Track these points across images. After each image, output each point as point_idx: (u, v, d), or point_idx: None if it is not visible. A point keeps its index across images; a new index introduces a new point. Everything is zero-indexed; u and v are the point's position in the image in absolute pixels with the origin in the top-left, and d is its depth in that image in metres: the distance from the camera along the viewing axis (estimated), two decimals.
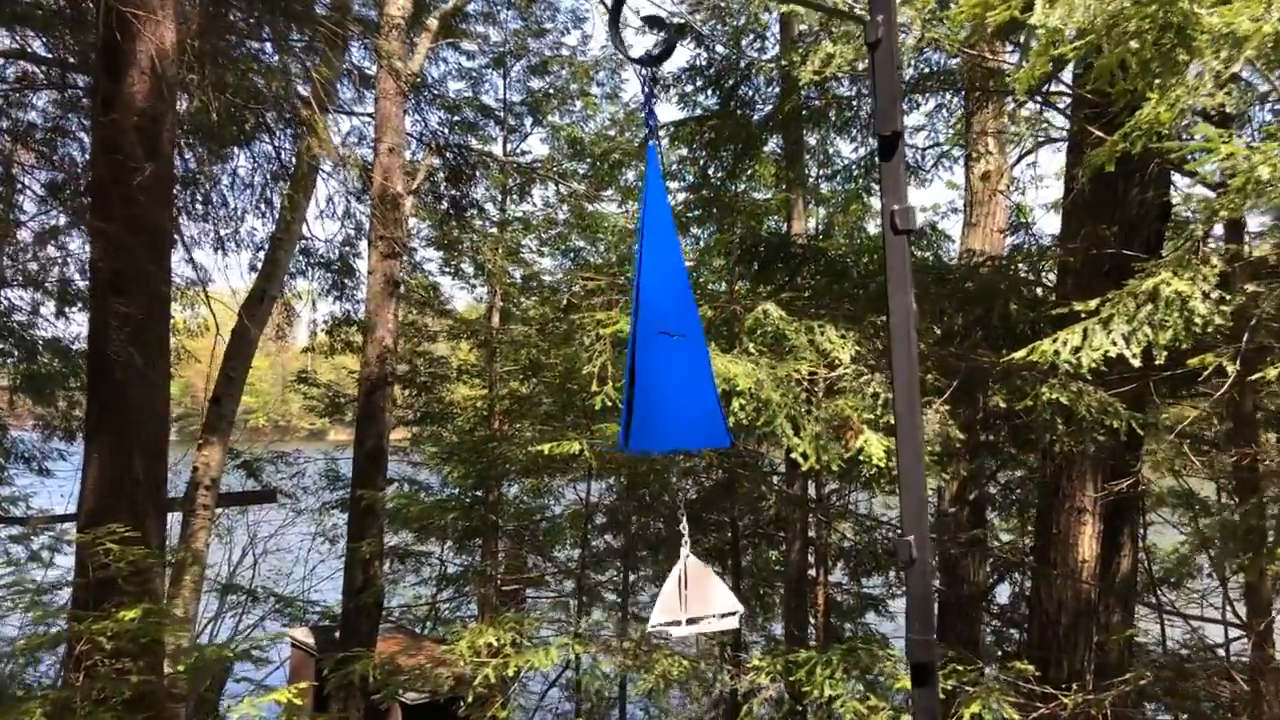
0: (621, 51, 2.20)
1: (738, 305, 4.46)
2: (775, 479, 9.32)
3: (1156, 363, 3.16)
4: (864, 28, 1.38)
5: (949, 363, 4.56)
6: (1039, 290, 5.73)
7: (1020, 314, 5.39)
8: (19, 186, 11.67)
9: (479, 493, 9.87)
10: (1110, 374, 3.88)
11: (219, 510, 13.23)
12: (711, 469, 8.24)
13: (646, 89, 2.27)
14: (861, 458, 4.08)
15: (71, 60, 10.54)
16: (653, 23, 2.26)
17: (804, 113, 6.07)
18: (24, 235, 13.17)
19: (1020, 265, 6.67)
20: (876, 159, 5.70)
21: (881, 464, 4.03)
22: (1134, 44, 2.66)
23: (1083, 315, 3.33)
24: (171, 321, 13.39)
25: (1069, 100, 5.72)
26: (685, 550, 2.41)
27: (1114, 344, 3.21)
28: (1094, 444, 4.60)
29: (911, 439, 1.36)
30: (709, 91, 6.68)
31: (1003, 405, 4.25)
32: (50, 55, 10.23)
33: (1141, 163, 4.98)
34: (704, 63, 6.40)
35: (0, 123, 11.09)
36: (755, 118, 6.32)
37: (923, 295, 5.63)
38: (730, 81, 6.30)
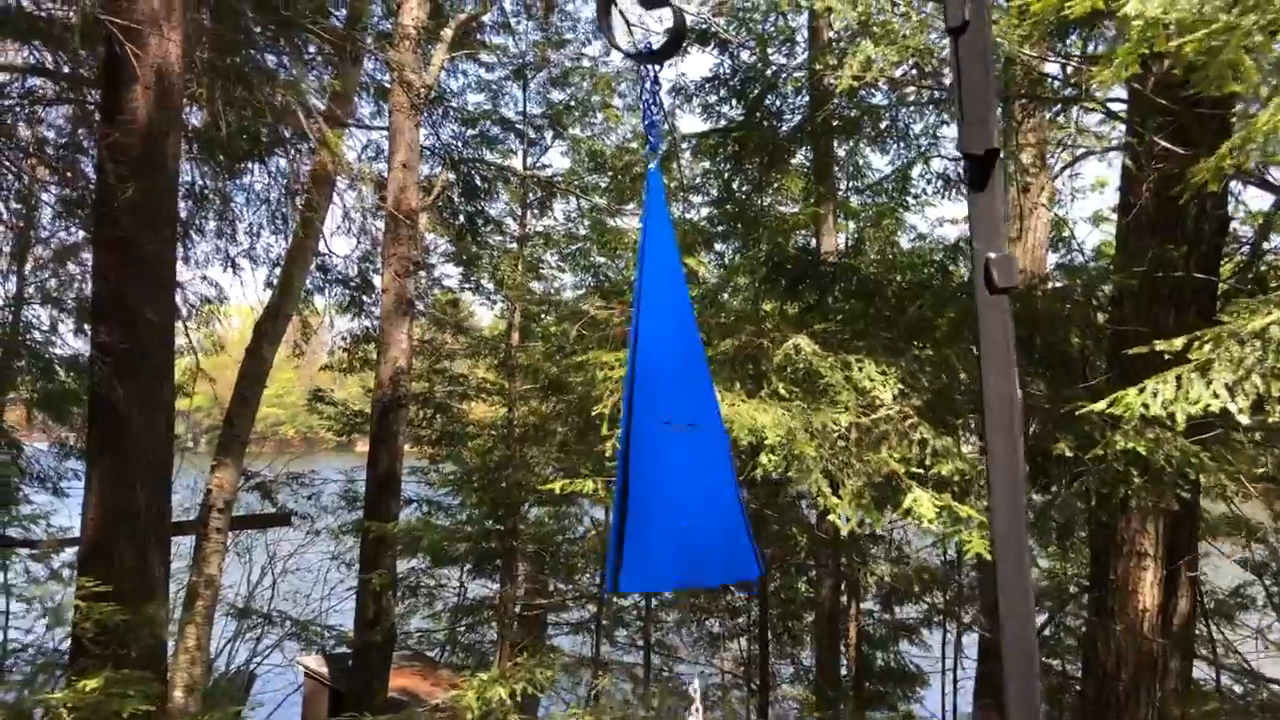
0: (612, 43, 1.76)
1: (765, 339, 4.05)
2: (803, 503, 8.92)
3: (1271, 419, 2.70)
4: (944, 7, 1.01)
5: None
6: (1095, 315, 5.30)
7: (1076, 340, 4.95)
8: (37, 202, 11.52)
9: (497, 518, 9.54)
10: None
11: (237, 530, 13.00)
12: None
13: (647, 93, 1.77)
14: (910, 518, 3.63)
15: (86, 74, 10.36)
16: (652, 3, 1.78)
17: (835, 123, 5.68)
18: (43, 252, 13.05)
19: (1072, 287, 6.26)
20: (909, 171, 5.28)
21: (934, 525, 3.58)
22: (1256, 37, 2.26)
23: (1166, 357, 2.89)
24: (181, 342, 13.22)
25: (1121, 105, 5.31)
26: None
27: (1216, 396, 2.75)
28: (1178, 501, 4.16)
29: (1015, 566, 0.98)
30: (733, 102, 6.32)
31: (1069, 454, 3.79)
32: (66, 70, 10.06)
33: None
34: (727, 71, 6.04)
35: (16, 138, 10.93)
36: (783, 129, 5.94)
37: (962, 319, 5.23)
38: (756, 91, 5.93)
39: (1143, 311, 4.72)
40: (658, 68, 1.73)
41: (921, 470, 3.77)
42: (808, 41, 6.57)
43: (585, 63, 13.80)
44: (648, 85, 1.77)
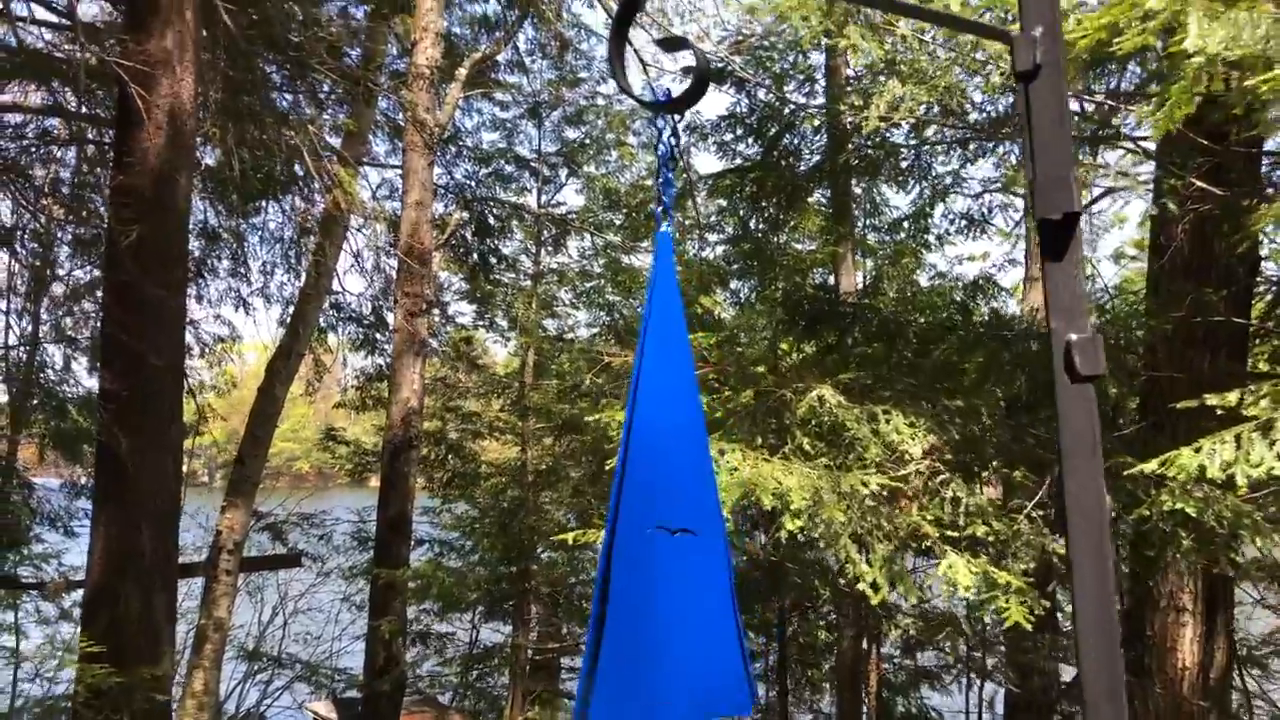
0: (626, 90, 1.57)
1: (788, 389, 3.86)
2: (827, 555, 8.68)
3: None
4: (1011, 49, 0.87)
5: (1035, 454, 3.93)
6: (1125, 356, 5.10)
7: (1111, 390, 4.76)
8: (52, 242, 11.54)
9: (510, 560, 9.36)
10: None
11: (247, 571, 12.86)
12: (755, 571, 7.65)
13: (663, 145, 1.53)
14: (945, 586, 3.42)
15: (102, 115, 10.39)
16: (672, 45, 1.64)
17: (855, 163, 5.54)
18: (59, 290, 13.05)
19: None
20: (930, 210, 5.10)
21: (970, 594, 3.37)
22: None
23: (1218, 410, 2.71)
24: (194, 380, 13.16)
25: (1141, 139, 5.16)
26: None
27: None
28: (1232, 566, 3.96)
29: (1109, 700, 0.82)
30: (750, 140, 6.20)
31: (1112, 515, 3.60)
32: (83, 110, 10.10)
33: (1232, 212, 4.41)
34: (745, 109, 5.92)
35: (31, 177, 10.96)
36: (801, 168, 5.81)
37: (989, 362, 5.06)
38: (773, 130, 5.80)
39: (1176, 356, 4.54)
40: (677, 117, 1.53)
41: (955, 534, 3.56)
42: (825, 79, 6.45)
43: (600, 101, 13.79)
44: (664, 137, 1.55)
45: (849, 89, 4.65)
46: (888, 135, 5.14)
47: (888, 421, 3.76)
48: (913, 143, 5.30)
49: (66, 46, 9.10)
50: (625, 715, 1.48)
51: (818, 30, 3.51)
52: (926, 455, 3.80)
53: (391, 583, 7.33)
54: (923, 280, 9.78)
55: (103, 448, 6.71)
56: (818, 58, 6.36)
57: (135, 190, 6.70)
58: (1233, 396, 2.69)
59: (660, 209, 1.59)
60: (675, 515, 1.52)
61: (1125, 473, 3.25)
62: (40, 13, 8.90)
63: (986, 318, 7.43)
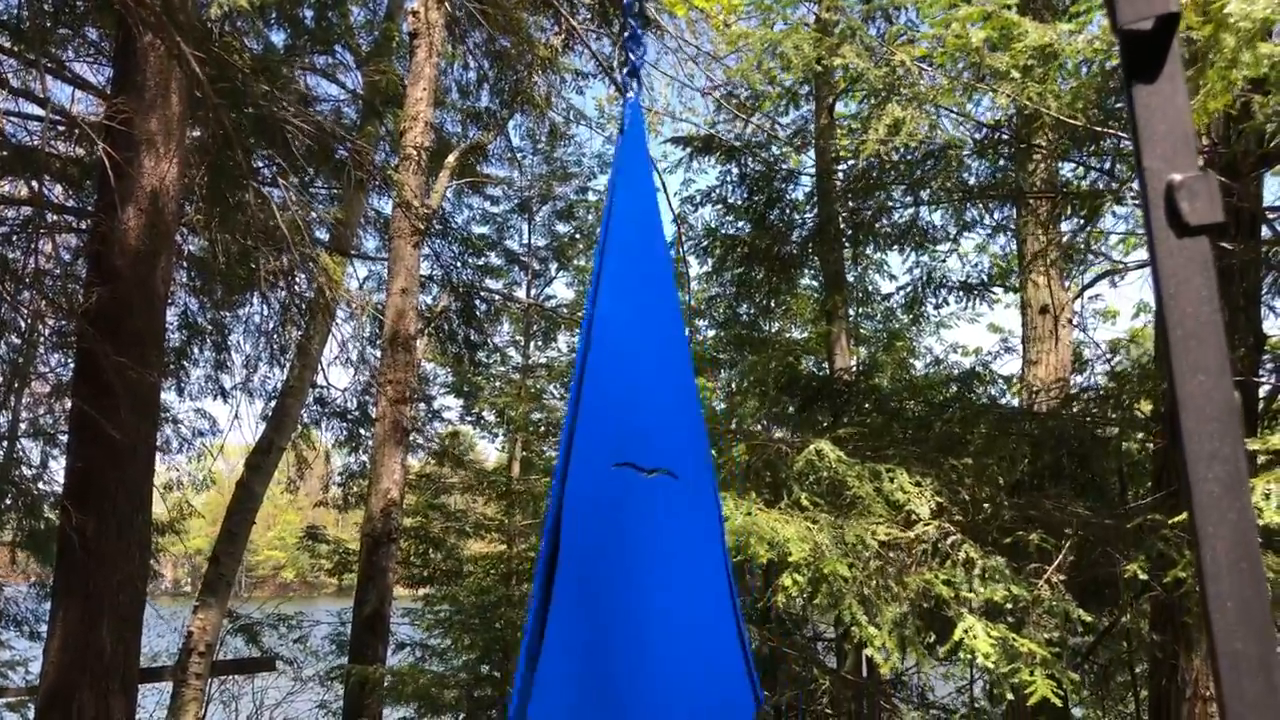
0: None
1: (783, 444, 3.62)
2: (819, 645, 8.30)
3: None
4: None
5: (1053, 518, 3.66)
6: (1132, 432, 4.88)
7: (1114, 465, 4.52)
8: (34, 335, 11.35)
9: (491, 661, 8.90)
10: None
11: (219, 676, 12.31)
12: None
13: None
14: (961, 654, 3.06)
15: (88, 208, 10.35)
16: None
17: (844, 228, 5.40)
18: (39, 386, 12.80)
19: (1086, 400, 5.86)
20: (926, 283, 4.90)
21: (991, 664, 3.01)
22: None
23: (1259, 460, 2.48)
24: (172, 476, 12.81)
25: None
26: None
27: None
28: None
29: (1256, 651, 0.59)
30: (741, 215, 6.08)
31: (1142, 577, 3.26)
32: (71, 205, 10.05)
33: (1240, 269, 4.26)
34: (735, 178, 5.80)
35: (12, 269, 10.84)
36: (793, 237, 5.69)
37: (992, 435, 4.83)
38: (763, 199, 5.69)
39: None
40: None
41: (971, 595, 3.25)
42: (815, 137, 6.36)
43: (591, 196, 13.88)
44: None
45: (840, 127, 4.54)
46: (887, 198, 5.02)
47: (891, 480, 3.48)
48: (903, 205, 5.19)
49: (56, 142, 9.10)
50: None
51: (810, 57, 3.40)
52: (935, 517, 3.52)
53: (365, 680, 6.91)
54: (918, 366, 9.64)
55: (65, 536, 6.41)
56: (807, 109, 6.30)
57: (113, 269, 6.58)
58: (1277, 440, 2.44)
59: (626, 71, 1.30)
60: (647, 452, 1.15)
61: (1136, 522, 2.98)
62: (27, 107, 8.92)
63: (985, 402, 7.24)
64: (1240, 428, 0.59)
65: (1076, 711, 8.62)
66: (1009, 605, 3.11)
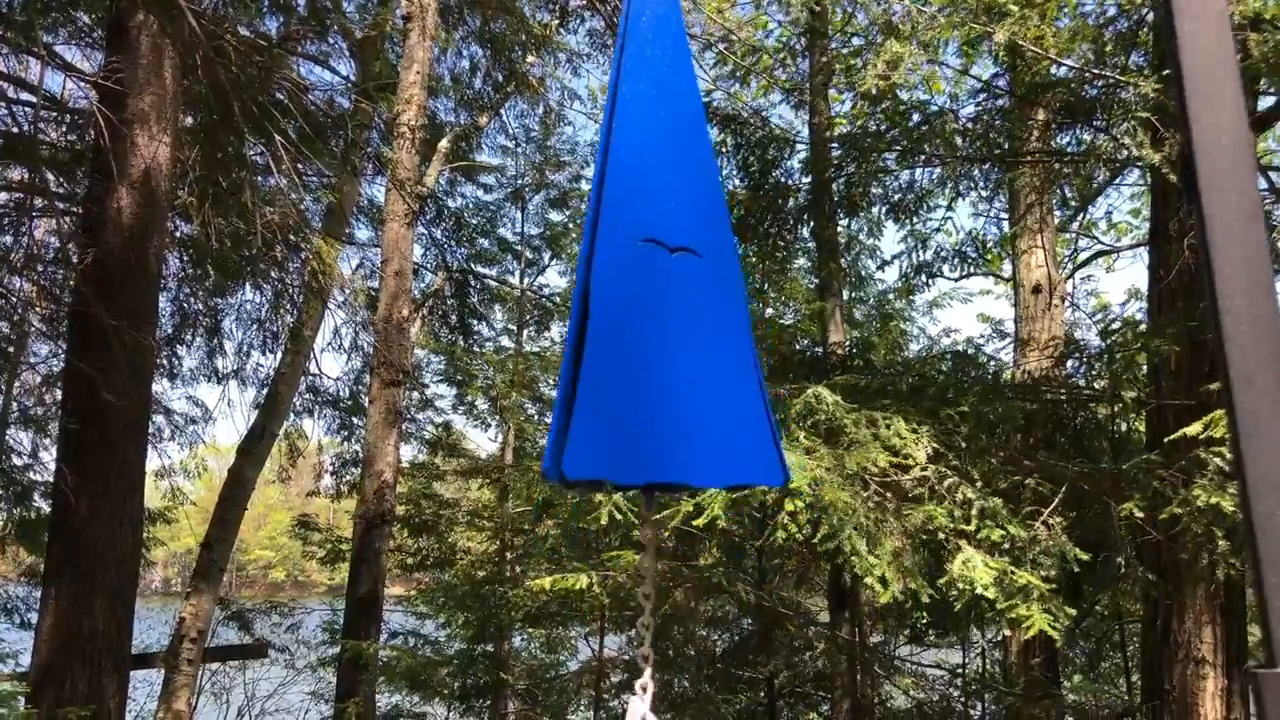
0: None
1: (781, 389, 3.64)
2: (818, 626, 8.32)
3: None
4: None
5: (1049, 467, 3.68)
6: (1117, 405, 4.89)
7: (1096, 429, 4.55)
8: (24, 322, 11.31)
9: (485, 638, 8.91)
10: None
11: (215, 665, 12.28)
12: (745, 617, 7.29)
13: None
14: (960, 585, 3.04)
15: (81, 193, 10.33)
16: None
17: (839, 190, 5.41)
18: (29, 376, 12.75)
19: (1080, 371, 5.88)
20: (916, 270, 4.93)
21: (989, 595, 3.02)
22: None
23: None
24: (164, 463, 12.78)
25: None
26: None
27: None
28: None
29: None
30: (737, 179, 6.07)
31: (1139, 516, 3.28)
32: (62, 190, 10.02)
33: None
34: (730, 146, 5.79)
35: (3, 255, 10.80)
36: (789, 205, 5.69)
37: (984, 399, 4.85)
38: (758, 166, 5.68)
39: (1183, 389, 4.34)
40: None
41: (968, 528, 3.26)
42: (809, 136, 6.38)
43: (584, 185, 13.88)
44: None
45: (839, 63, 4.54)
46: (879, 158, 5.03)
47: (888, 426, 3.50)
48: (900, 173, 5.19)
49: (49, 130, 9.07)
50: (610, 470, 1.13)
51: None
52: (933, 462, 3.53)
53: (358, 658, 6.90)
54: (914, 348, 9.67)
55: (58, 516, 6.40)
56: (801, 117, 6.31)
57: (106, 245, 6.58)
58: None
59: None
60: (671, 229, 1.20)
61: (1135, 463, 3.00)
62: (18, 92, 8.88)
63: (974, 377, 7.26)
64: None
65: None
66: (1006, 545, 3.13)
